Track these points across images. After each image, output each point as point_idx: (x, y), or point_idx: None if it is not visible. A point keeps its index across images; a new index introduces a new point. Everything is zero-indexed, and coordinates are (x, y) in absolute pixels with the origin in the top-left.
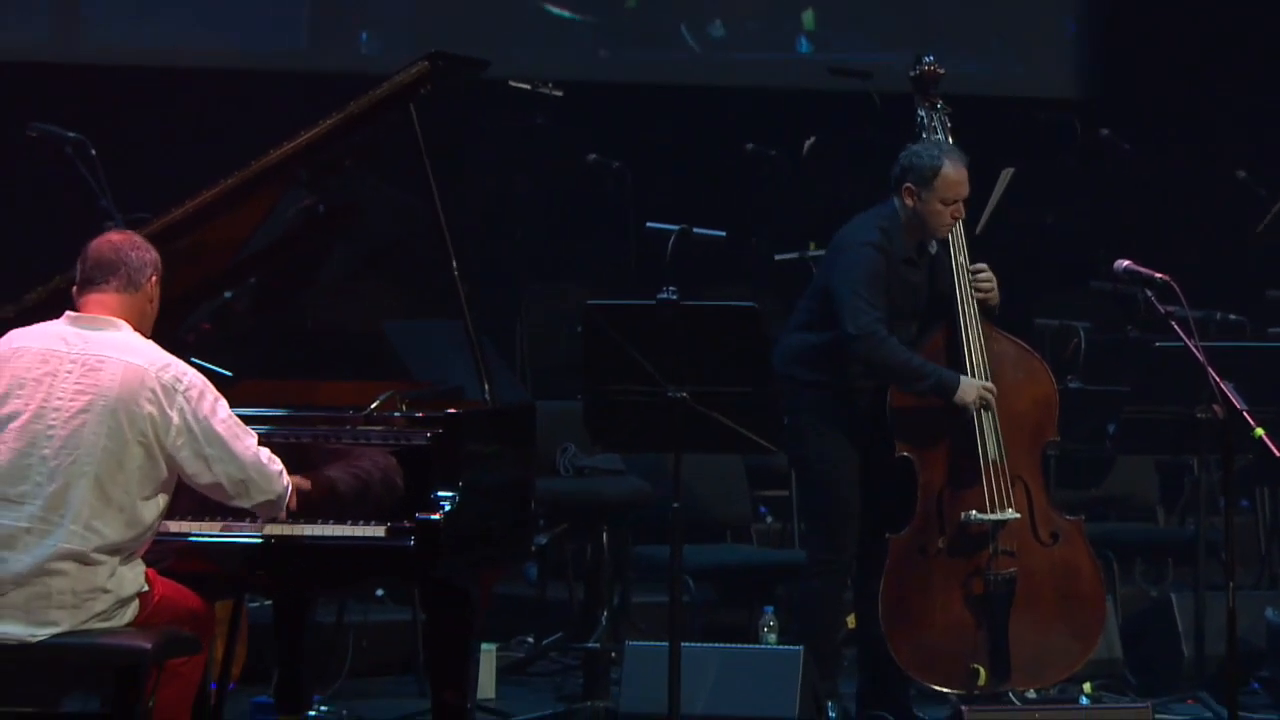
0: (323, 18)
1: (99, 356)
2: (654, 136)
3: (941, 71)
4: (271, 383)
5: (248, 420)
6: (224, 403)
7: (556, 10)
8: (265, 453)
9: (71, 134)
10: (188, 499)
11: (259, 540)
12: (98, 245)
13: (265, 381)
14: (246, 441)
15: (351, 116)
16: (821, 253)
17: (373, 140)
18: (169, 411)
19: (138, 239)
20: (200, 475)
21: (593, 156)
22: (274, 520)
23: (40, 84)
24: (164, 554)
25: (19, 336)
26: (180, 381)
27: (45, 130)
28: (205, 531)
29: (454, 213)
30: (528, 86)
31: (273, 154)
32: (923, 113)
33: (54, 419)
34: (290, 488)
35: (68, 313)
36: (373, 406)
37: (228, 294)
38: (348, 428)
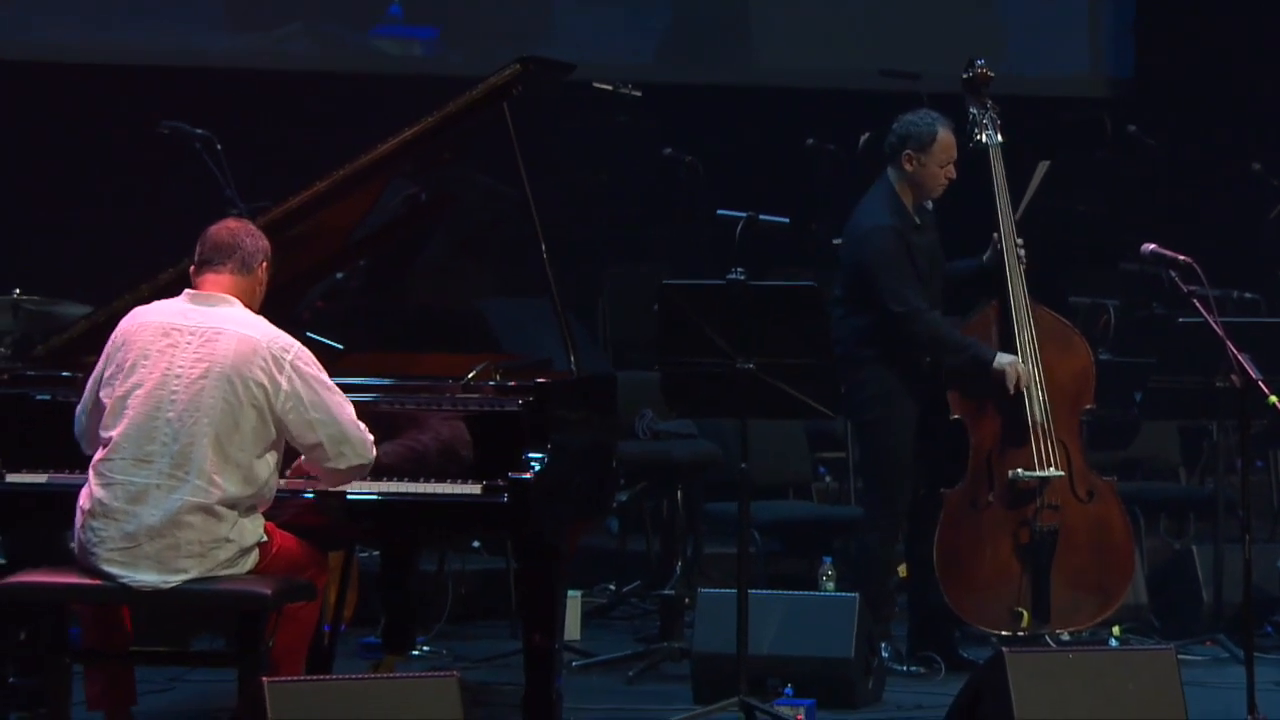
0: (424, 24)
1: (216, 329)
2: (724, 133)
3: (991, 75)
4: (378, 355)
5: (358, 388)
6: (325, 373)
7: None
8: (360, 423)
9: (199, 131)
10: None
11: (368, 497)
12: (215, 231)
13: (373, 354)
14: (347, 410)
15: (450, 114)
16: None
17: (470, 135)
18: (279, 378)
19: (251, 227)
20: (305, 437)
21: (668, 150)
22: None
23: (172, 86)
24: (282, 509)
25: (142, 313)
26: (288, 352)
27: (176, 127)
28: (319, 488)
29: (543, 201)
30: (609, 88)
31: (380, 148)
32: (974, 111)
33: (176, 385)
34: (374, 453)
35: (186, 290)
36: (470, 376)
37: (339, 275)
38: (447, 395)
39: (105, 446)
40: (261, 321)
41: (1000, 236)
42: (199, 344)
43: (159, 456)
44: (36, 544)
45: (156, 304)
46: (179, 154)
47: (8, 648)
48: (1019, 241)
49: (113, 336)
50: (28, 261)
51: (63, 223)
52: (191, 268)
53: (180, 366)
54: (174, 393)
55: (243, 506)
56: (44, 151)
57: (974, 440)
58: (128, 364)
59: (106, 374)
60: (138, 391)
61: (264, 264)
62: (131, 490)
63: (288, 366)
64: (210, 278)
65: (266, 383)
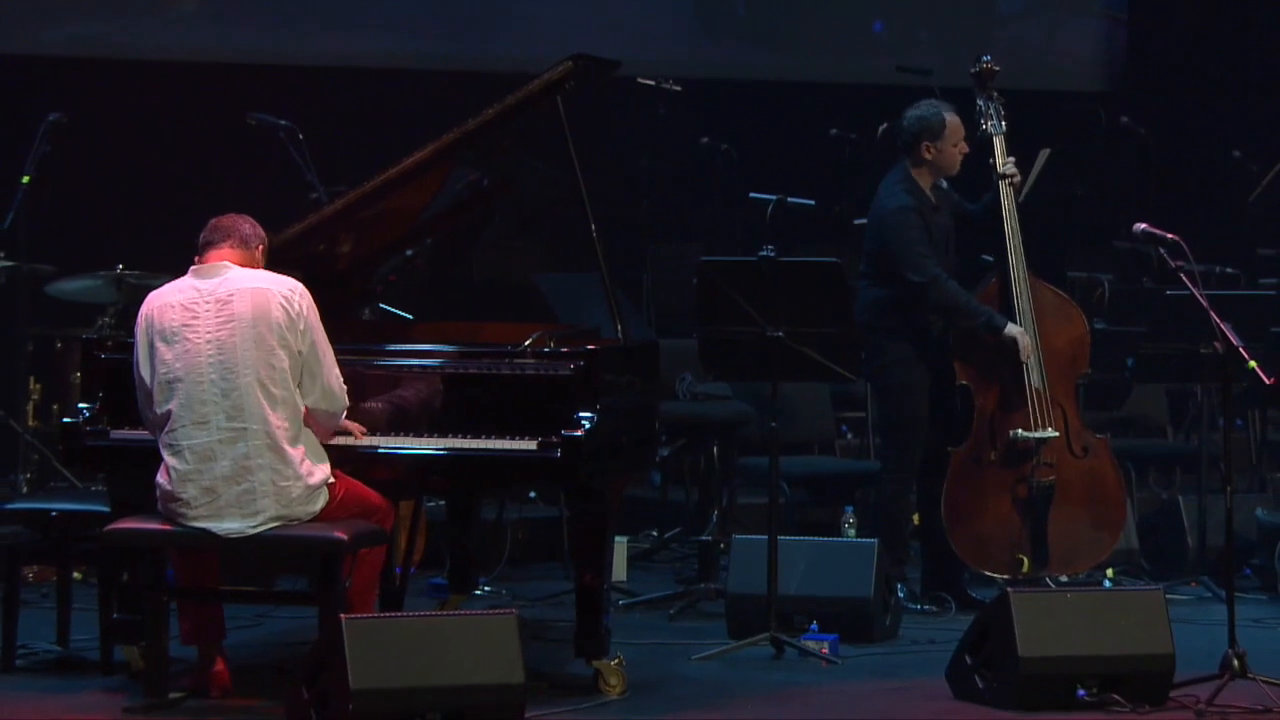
0: (485, 23)
1: (229, 291)
2: (756, 123)
3: (997, 69)
4: (444, 324)
5: (426, 354)
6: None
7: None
8: (338, 375)
9: (283, 122)
10: (380, 418)
11: (436, 452)
12: (216, 219)
13: (439, 323)
14: (329, 356)
15: (509, 106)
16: None
17: (526, 125)
18: (292, 317)
19: (250, 219)
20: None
21: (705, 139)
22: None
23: (258, 81)
24: (356, 462)
25: (159, 295)
26: (294, 291)
27: (262, 119)
28: (391, 445)
29: (592, 185)
30: (652, 83)
31: (445, 138)
32: (981, 102)
33: (210, 350)
34: (344, 413)
35: (192, 268)
36: (526, 343)
37: (409, 252)
38: (506, 361)
39: (167, 420)
40: (263, 272)
41: (1005, 218)
42: (218, 309)
43: (214, 415)
44: (137, 494)
45: (168, 285)
46: (265, 143)
47: (112, 587)
48: (1011, 162)
49: (138, 322)
50: (129, 240)
51: (160, 205)
52: (196, 256)
53: (209, 332)
54: (210, 357)
55: (298, 437)
56: (145, 141)
57: (978, 403)
58: (160, 345)
59: (141, 357)
60: (177, 365)
61: (260, 248)
62: (199, 450)
63: (295, 304)
64: (212, 254)
65: (285, 320)
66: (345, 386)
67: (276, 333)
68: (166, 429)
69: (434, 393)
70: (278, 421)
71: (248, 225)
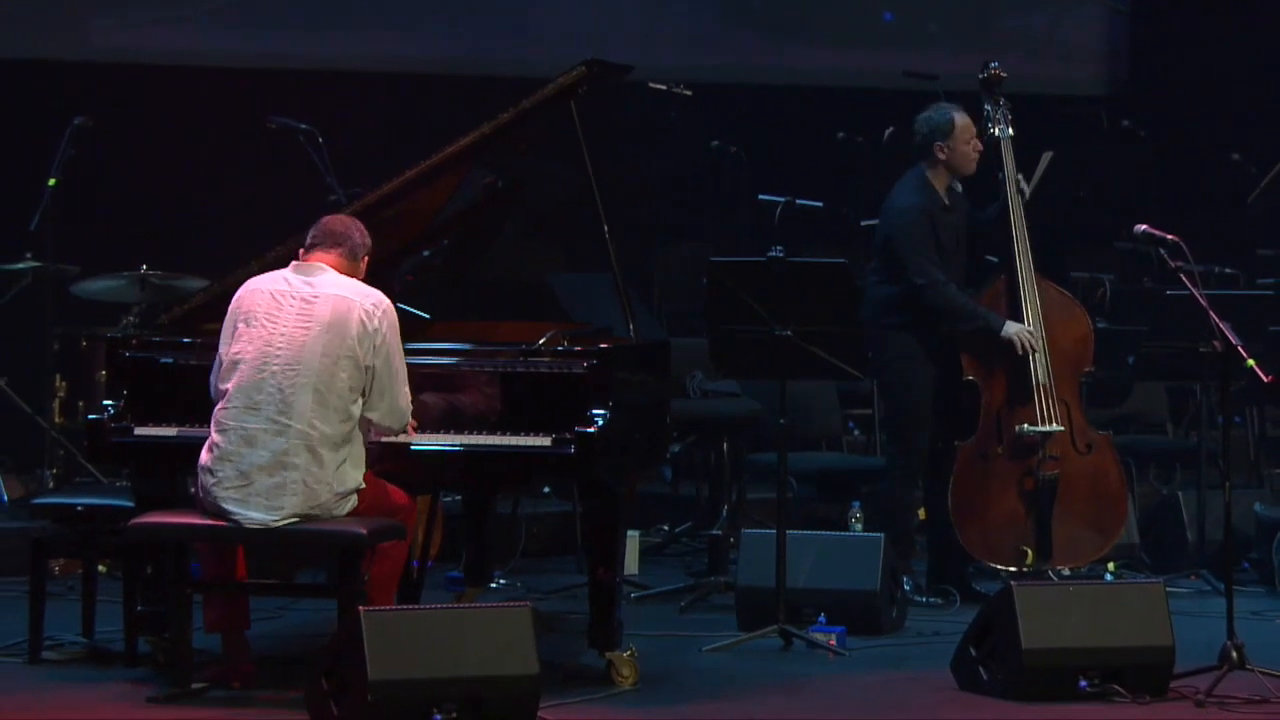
0: (500, 29)
1: (315, 293)
2: (765, 127)
3: (1004, 75)
4: (461, 323)
5: (443, 352)
6: (399, 336)
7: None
8: (408, 394)
9: (303, 125)
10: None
11: (453, 448)
12: (330, 220)
13: (456, 322)
14: (402, 374)
15: (523, 110)
16: None
17: (541, 129)
18: (369, 330)
19: (360, 225)
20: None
21: (715, 142)
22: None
23: (278, 86)
24: (377, 457)
25: (253, 282)
26: (378, 308)
27: (282, 122)
28: (408, 441)
29: (605, 187)
30: (663, 87)
31: (462, 141)
32: (989, 107)
33: (281, 343)
34: (405, 431)
35: (292, 263)
36: (540, 342)
37: (426, 252)
38: (520, 359)
39: (223, 398)
40: (356, 283)
41: (1010, 215)
42: (300, 306)
43: (266, 405)
44: (161, 489)
45: (265, 275)
46: (285, 146)
47: (137, 580)
48: (1020, 178)
49: (231, 304)
50: (154, 241)
51: (183, 206)
52: (301, 250)
53: (285, 327)
54: (279, 350)
55: (342, 445)
56: (167, 144)
57: (984, 399)
58: (241, 326)
59: (224, 335)
60: (249, 350)
61: (365, 259)
62: (243, 434)
63: (377, 320)
64: (317, 255)
65: (360, 332)
66: (412, 406)
67: (348, 343)
68: (220, 406)
69: (451, 390)
70: (324, 427)
71: (358, 234)
